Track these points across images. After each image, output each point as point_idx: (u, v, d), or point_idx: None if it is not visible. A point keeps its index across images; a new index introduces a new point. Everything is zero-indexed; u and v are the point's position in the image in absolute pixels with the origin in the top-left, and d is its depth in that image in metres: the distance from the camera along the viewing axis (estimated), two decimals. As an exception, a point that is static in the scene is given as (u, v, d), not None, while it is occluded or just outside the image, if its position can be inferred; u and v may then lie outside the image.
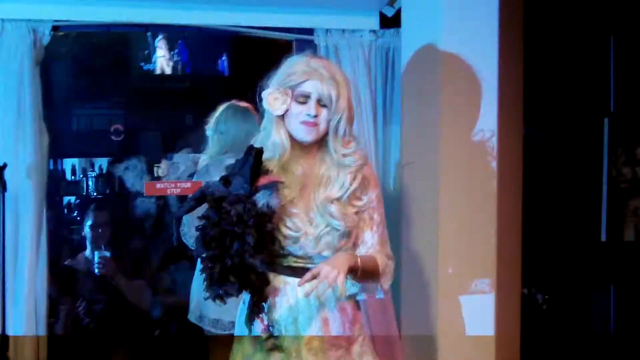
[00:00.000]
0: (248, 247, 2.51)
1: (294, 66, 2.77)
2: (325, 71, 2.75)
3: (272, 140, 2.78)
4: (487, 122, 3.89)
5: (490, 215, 3.87)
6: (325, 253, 2.76)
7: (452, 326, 3.86)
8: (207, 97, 4.13)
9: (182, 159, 3.58)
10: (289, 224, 2.72)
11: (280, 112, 2.75)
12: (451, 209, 3.86)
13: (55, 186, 4.24)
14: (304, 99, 2.73)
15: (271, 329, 2.73)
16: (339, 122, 2.75)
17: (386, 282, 2.86)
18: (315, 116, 2.72)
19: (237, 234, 2.51)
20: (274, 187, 2.65)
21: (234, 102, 4.03)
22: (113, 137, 6.31)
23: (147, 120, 6.40)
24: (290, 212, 2.74)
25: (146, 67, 6.56)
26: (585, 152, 4.59)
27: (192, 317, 4.01)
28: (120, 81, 6.40)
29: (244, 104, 3.99)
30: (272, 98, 2.74)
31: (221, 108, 4.02)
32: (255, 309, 2.69)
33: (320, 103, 2.73)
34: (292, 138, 2.79)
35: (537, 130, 4.36)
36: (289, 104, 2.73)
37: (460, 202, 3.87)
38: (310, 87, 2.72)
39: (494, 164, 3.89)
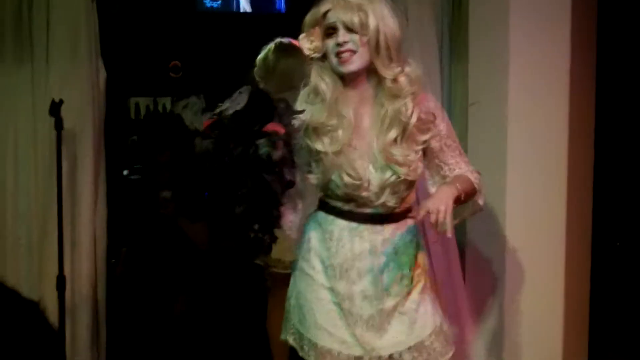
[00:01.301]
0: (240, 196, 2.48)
1: (320, 2, 2.66)
2: None
3: (312, 86, 2.70)
4: (559, 62, 3.73)
5: (560, 161, 3.75)
6: (391, 203, 2.68)
7: (520, 275, 3.74)
8: (267, 34, 3.99)
9: (242, 97, 3.43)
10: (349, 170, 2.63)
11: (318, 54, 2.65)
12: (520, 152, 3.73)
13: (114, 125, 4.17)
14: (332, 30, 2.61)
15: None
16: (377, 43, 2.59)
17: (481, 199, 2.78)
18: (345, 42, 2.59)
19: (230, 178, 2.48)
20: (277, 136, 2.53)
21: (278, 40, 3.89)
22: (171, 74, 6.24)
23: (207, 57, 6.25)
24: (349, 156, 2.64)
25: (206, 2, 6.45)
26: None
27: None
28: (178, 17, 6.26)
29: (289, 40, 3.84)
30: (305, 41, 2.65)
31: (266, 48, 3.89)
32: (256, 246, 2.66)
33: (348, 30, 2.59)
34: (338, 77, 2.67)
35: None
36: (320, 41, 2.63)
37: (529, 145, 3.74)
38: (333, 16, 2.60)
39: (566, 108, 3.74)
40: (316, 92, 2.69)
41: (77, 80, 3.89)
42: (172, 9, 6.23)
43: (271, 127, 2.53)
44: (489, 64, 3.85)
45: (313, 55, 2.66)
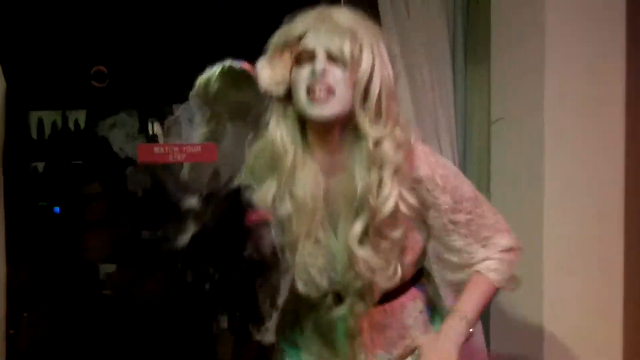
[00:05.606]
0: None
1: (296, 18, 2.10)
2: (339, 17, 2.06)
3: (268, 138, 2.15)
4: (612, 59, 3.14)
5: (616, 190, 3.17)
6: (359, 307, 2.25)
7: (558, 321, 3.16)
8: (216, 32, 3.24)
9: (188, 113, 2.82)
10: (302, 275, 2.18)
11: (280, 90, 2.07)
12: (558, 181, 3.14)
13: (10, 147, 3.44)
14: (307, 56, 2.03)
15: None
16: (367, 85, 2.03)
17: (506, 283, 2.23)
18: (324, 72, 2.00)
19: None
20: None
21: (228, 62, 3.14)
22: (94, 83, 5.44)
23: (140, 61, 5.43)
24: (305, 255, 2.16)
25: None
26: None
27: None
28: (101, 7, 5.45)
29: (241, 64, 3.10)
30: (266, 69, 2.09)
31: (210, 72, 3.14)
32: None
33: (331, 61, 2.02)
34: (303, 128, 2.11)
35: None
36: (288, 71, 2.06)
37: (573, 171, 3.15)
38: (313, 40, 2.03)
39: (622, 119, 3.17)
40: (271, 147, 2.13)
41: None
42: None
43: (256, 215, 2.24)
44: (518, 67, 3.27)
45: (273, 91, 2.07)
